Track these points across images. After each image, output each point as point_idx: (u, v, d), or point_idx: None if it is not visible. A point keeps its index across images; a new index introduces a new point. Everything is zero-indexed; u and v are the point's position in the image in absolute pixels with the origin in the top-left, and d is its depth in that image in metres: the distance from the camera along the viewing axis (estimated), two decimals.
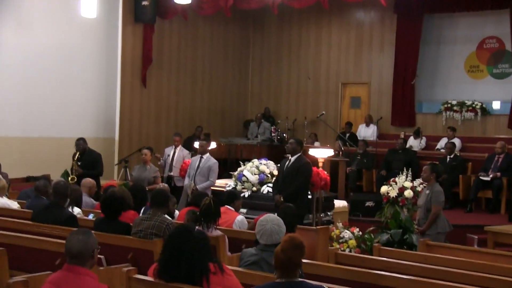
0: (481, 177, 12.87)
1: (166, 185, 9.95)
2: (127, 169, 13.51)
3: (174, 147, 13.23)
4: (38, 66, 14.16)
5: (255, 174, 10.72)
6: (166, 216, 6.66)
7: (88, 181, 9.36)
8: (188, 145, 15.51)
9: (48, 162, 14.05)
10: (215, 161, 11.04)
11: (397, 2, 16.27)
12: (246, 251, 5.25)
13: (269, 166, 10.86)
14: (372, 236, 9.30)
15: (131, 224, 6.70)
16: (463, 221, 11.43)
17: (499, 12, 15.64)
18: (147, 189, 9.10)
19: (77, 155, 11.28)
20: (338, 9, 17.01)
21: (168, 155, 13.12)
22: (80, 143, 11.47)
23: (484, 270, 5.92)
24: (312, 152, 10.87)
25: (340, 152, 12.92)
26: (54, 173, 11.70)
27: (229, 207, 8.03)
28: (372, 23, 17.47)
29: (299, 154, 9.43)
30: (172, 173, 12.83)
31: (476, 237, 10.31)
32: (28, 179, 13.55)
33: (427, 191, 8.75)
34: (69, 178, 10.67)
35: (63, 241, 6.01)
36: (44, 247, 6.07)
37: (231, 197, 8.38)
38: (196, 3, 14.12)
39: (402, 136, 15.71)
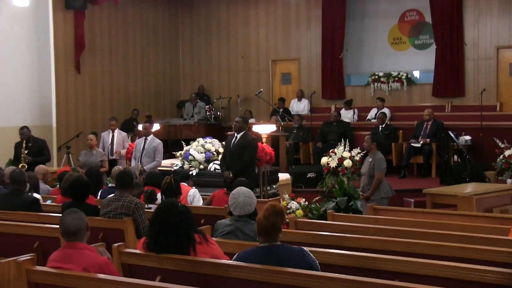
0: (412, 144, 13.59)
1: (120, 167, 10.16)
2: (70, 155, 13.65)
3: (111, 131, 13.41)
4: None
5: (201, 152, 11.06)
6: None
7: (41, 168, 9.53)
8: (125, 128, 15.69)
9: None
10: (160, 141, 11.30)
11: None
12: (220, 222, 5.63)
13: (214, 144, 11.22)
14: (318, 205, 9.81)
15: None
16: (398, 186, 11.97)
17: None
18: None
19: (24, 143, 11.32)
20: None
21: (106, 140, 13.27)
22: (25, 131, 11.54)
23: (431, 227, 6.48)
24: (256, 128, 11.28)
25: (280, 127, 13.38)
26: None
27: (182, 183, 8.38)
28: (298, 0, 17.90)
29: (244, 131, 9.82)
30: (114, 157, 12.99)
31: (412, 200, 11.00)
32: None
33: (370, 159, 9.32)
34: (20, 166, 10.73)
35: (39, 225, 6.33)
36: (20, 231, 6.29)
37: (186, 176, 8.83)
38: None
39: (333, 108, 16.33)
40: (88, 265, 4.25)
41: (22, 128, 11.65)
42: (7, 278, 5.22)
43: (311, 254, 4.37)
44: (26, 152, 11.29)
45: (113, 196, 6.88)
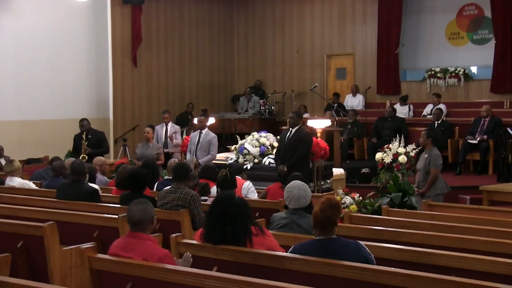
0: (468, 140, 13.43)
1: (176, 159, 10.33)
2: (126, 148, 13.93)
3: (164, 124, 13.66)
4: (31, 51, 14.42)
5: (256, 146, 11.16)
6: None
7: (99, 159, 9.77)
8: (180, 122, 15.93)
9: (46, 144, 14.40)
10: (214, 135, 11.45)
11: None
12: (276, 215, 5.72)
13: (269, 138, 11.31)
14: (372, 201, 9.80)
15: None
16: (453, 183, 11.80)
17: None
18: None
19: (84, 135, 11.63)
20: None
21: (160, 134, 13.49)
22: (85, 123, 11.85)
23: (488, 224, 6.44)
24: (311, 123, 11.32)
25: (334, 122, 13.40)
26: (52, 154, 11.93)
27: (238, 176, 8.49)
28: None
29: (299, 125, 9.88)
30: (168, 149, 13.21)
31: (468, 197, 10.89)
32: (29, 161, 13.86)
33: (426, 155, 9.27)
34: (80, 157, 11.02)
35: (98, 215, 6.52)
36: (80, 221, 6.49)
37: (240, 169, 8.97)
38: None
39: (388, 104, 16.24)
40: (148, 255, 4.38)
41: (82, 120, 11.96)
42: (69, 265, 5.45)
43: (367, 248, 4.42)
44: (85, 143, 11.58)
45: (169, 188, 7.04)
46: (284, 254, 4.54)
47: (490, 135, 13.28)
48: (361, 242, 4.51)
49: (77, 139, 11.89)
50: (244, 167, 10.54)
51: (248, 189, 8.62)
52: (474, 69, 16.76)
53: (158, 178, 9.40)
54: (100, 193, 8.32)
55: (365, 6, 17.66)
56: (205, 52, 18.65)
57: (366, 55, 17.71)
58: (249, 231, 4.72)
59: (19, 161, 9.39)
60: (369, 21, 17.60)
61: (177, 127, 13.91)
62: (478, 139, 13.34)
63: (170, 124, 13.70)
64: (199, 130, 11.52)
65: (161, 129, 13.54)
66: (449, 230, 6.05)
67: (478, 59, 16.61)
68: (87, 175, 8.11)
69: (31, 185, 8.97)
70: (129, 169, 7.97)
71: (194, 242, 4.92)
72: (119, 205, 7.09)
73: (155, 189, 8.73)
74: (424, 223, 6.44)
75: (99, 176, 9.40)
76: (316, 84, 16.75)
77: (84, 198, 7.44)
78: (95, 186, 8.37)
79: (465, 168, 13.66)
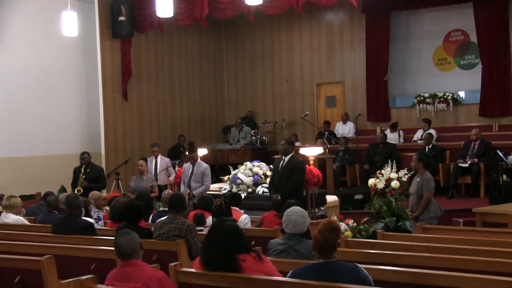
0: (460, 164, 13.55)
1: (170, 191, 10.38)
2: (119, 181, 13.96)
3: (154, 157, 13.77)
4: (21, 86, 14.52)
5: (249, 176, 11.22)
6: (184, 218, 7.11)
7: (95, 193, 9.79)
8: (172, 154, 16.00)
9: (38, 180, 14.39)
10: (207, 165, 11.45)
11: (364, 2, 16.79)
12: (273, 242, 5.75)
13: (262, 168, 11.38)
14: (367, 226, 9.84)
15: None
16: (446, 207, 11.90)
17: (463, 5, 16.34)
18: None
19: (83, 168, 11.65)
20: (308, 12, 17.53)
21: (149, 167, 13.54)
22: (85, 156, 11.91)
23: (483, 245, 6.49)
24: (303, 151, 11.40)
25: (326, 150, 13.48)
26: (44, 190, 11.92)
27: (234, 207, 8.52)
28: (342, 24, 18.09)
29: (292, 153, 9.94)
30: (158, 183, 13.24)
31: (461, 220, 10.93)
32: (22, 198, 13.78)
33: (418, 179, 9.36)
34: (75, 190, 11.04)
35: (95, 247, 6.53)
36: (77, 254, 6.50)
37: (236, 198, 8.98)
38: (172, 15, 14.57)
39: (379, 130, 16.39)
40: (147, 280, 4.42)
41: (83, 153, 12.03)
42: None
43: (365, 271, 4.46)
44: (83, 177, 11.61)
45: (165, 218, 7.07)
46: (283, 279, 4.56)
47: (480, 158, 13.41)
48: (359, 265, 4.54)
49: (76, 172, 11.92)
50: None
51: (244, 223, 8.63)
52: (462, 94, 16.97)
53: (152, 210, 9.42)
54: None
55: (353, 34, 17.87)
56: (195, 84, 18.78)
57: (356, 83, 17.87)
58: (236, 259, 4.73)
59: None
60: (357, 49, 17.80)
61: (167, 160, 14.05)
62: (469, 162, 13.47)
63: (159, 157, 13.86)
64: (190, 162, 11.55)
65: (150, 162, 13.63)
66: (445, 251, 6.10)
67: (466, 84, 16.82)
68: (83, 209, 8.14)
69: (25, 221, 8.96)
70: (124, 201, 8.00)
71: (193, 270, 4.94)
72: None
73: (150, 221, 8.75)
74: (420, 245, 6.48)
75: (95, 210, 9.41)
76: (307, 113, 16.89)
77: (80, 232, 7.45)
78: (90, 220, 8.40)
79: (457, 192, 13.77)
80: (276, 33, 19.03)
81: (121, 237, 4.74)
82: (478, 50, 16.19)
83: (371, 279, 4.44)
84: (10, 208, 8.98)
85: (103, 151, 15.85)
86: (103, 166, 15.48)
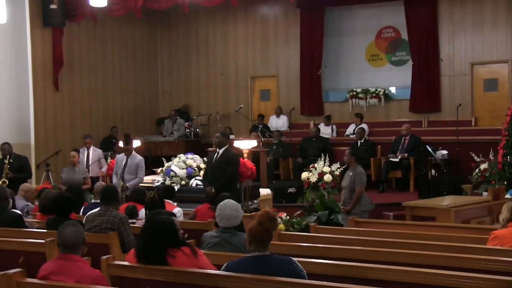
0: (390, 159, 13.82)
1: (102, 182, 10.22)
2: (50, 173, 13.66)
3: (86, 148, 13.59)
4: None
5: (182, 168, 11.15)
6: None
7: (26, 185, 9.56)
8: (105, 145, 15.78)
9: None
10: (142, 158, 11.28)
11: None
12: (206, 234, 5.73)
13: (195, 160, 11.33)
14: (299, 219, 9.92)
15: None
16: (377, 200, 12.12)
17: (395, 3, 16.64)
18: None
19: (7, 159, 11.35)
20: (243, 5, 17.47)
21: (81, 158, 13.34)
22: (6, 147, 11.59)
23: (411, 238, 6.63)
24: (237, 144, 11.40)
25: (260, 143, 13.52)
26: None
27: (167, 200, 8.45)
28: (277, 17, 18.14)
29: (226, 146, 9.91)
30: (90, 174, 13.04)
31: (392, 213, 11.14)
32: None
33: (350, 173, 9.49)
34: (1, 182, 10.75)
35: (24, 240, 6.37)
36: (4, 247, 6.32)
37: (170, 191, 8.91)
38: (106, 5, 14.34)
39: (312, 125, 16.52)
40: (81, 277, 4.33)
41: (3, 144, 11.70)
42: None
43: (299, 264, 4.48)
44: (7, 168, 11.31)
45: (97, 211, 6.96)
46: (217, 272, 4.55)
47: (410, 153, 13.70)
48: (293, 258, 4.56)
49: (0, 163, 11.60)
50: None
51: (177, 217, 8.55)
52: (393, 90, 17.26)
53: (83, 202, 9.25)
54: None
55: (287, 28, 17.95)
56: (129, 75, 18.55)
57: (290, 77, 17.96)
58: (172, 249, 4.71)
59: None
60: (291, 43, 17.88)
61: (99, 151, 13.88)
62: (400, 157, 13.74)
63: (92, 148, 13.70)
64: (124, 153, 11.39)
65: (82, 154, 13.43)
66: (376, 244, 6.19)
67: (397, 80, 17.12)
68: (10, 201, 7.93)
69: None
70: (54, 193, 7.85)
71: (126, 263, 4.88)
72: (45, 230, 6.95)
73: (81, 213, 8.59)
74: (352, 239, 6.57)
75: (21, 202, 9.18)
76: (242, 106, 16.91)
77: (8, 224, 7.25)
78: (18, 211, 8.19)
79: (387, 186, 14.03)
80: (211, 25, 18.94)
81: (67, 227, 4.65)
82: (408, 47, 16.49)
83: (305, 273, 4.47)
84: None
85: (32, 142, 15.47)
86: (32, 157, 15.16)
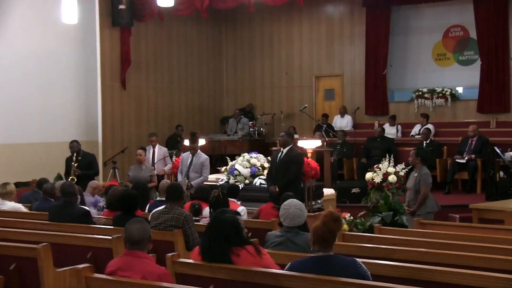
0: (457, 160, 13.55)
1: (168, 180, 10.34)
2: (116, 170, 13.93)
3: (152, 147, 13.78)
4: (20, 73, 14.40)
5: (246, 167, 11.20)
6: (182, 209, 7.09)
7: (94, 182, 9.80)
8: (170, 144, 15.97)
9: (34, 167, 14.29)
10: (207, 157, 11.39)
11: None
12: (270, 234, 5.74)
13: (259, 159, 11.35)
14: (363, 220, 9.84)
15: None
16: (443, 202, 11.88)
17: (463, 1, 16.36)
18: None
19: (74, 156, 11.61)
20: (308, 4, 17.42)
21: (147, 156, 13.51)
22: (74, 144, 11.85)
23: (480, 241, 6.49)
24: (301, 143, 11.38)
25: (324, 143, 13.46)
26: (39, 177, 11.97)
27: (231, 199, 8.51)
28: (342, 17, 18.05)
29: (290, 145, 9.90)
30: (156, 172, 13.21)
31: (458, 215, 10.95)
32: (17, 185, 13.73)
33: (415, 174, 9.36)
34: (69, 179, 11.01)
35: (92, 236, 6.51)
36: (73, 242, 6.48)
37: (234, 190, 8.97)
38: (173, 5, 14.53)
39: (377, 124, 16.38)
40: (147, 273, 4.40)
41: (72, 142, 11.97)
42: (64, 287, 5.41)
43: (363, 265, 4.45)
44: (75, 165, 11.57)
45: (163, 208, 7.04)
46: (281, 271, 4.55)
47: (477, 154, 13.41)
48: (357, 259, 4.53)
49: (68, 161, 11.88)
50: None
51: (241, 215, 8.60)
52: (460, 90, 16.92)
53: (149, 200, 9.40)
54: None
55: (352, 27, 17.83)
56: (194, 73, 18.74)
57: (354, 76, 17.84)
58: (237, 248, 4.74)
59: None
60: (357, 42, 17.76)
61: (165, 150, 14.05)
62: (466, 158, 13.47)
63: (157, 146, 13.87)
64: (190, 152, 11.51)
65: (148, 152, 13.61)
66: (442, 247, 6.09)
67: (464, 80, 16.78)
68: (79, 197, 8.13)
69: (22, 208, 8.93)
70: (120, 190, 7.99)
71: (190, 261, 4.93)
72: (112, 226, 7.08)
73: (146, 210, 8.73)
74: (417, 240, 6.48)
75: (89, 198, 9.40)
76: (306, 105, 16.89)
77: (77, 220, 7.44)
78: (86, 208, 8.38)
79: (453, 187, 13.77)
80: (276, 25, 18.97)
81: (134, 224, 4.74)
82: (477, 46, 16.17)
83: (369, 274, 4.44)
84: (7, 196, 8.95)
85: (100, 140, 15.80)
86: (100, 154, 15.47)
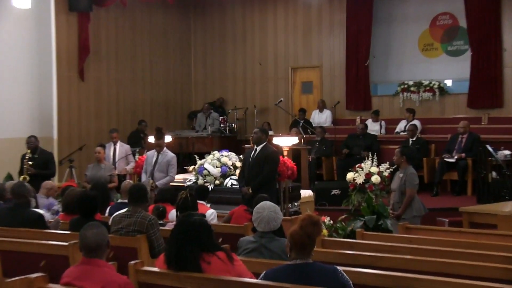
0: (445, 159, 13.64)
1: (130, 181, 10.27)
2: (73, 169, 13.81)
3: (112, 144, 13.68)
4: None
5: (217, 166, 11.18)
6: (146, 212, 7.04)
7: (48, 183, 9.69)
8: (132, 141, 15.87)
9: None
10: (173, 155, 11.36)
11: None
12: (243, 240, 5.72)
13: (231, 158, 11.34)
14: (344, 224, 9.85)
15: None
16: (430, 205, 11.92)
17: None
18: None
19: (28, 153, 11.49)
20: None
21: (107, 154, 13.43)
22: (32, 140, 11.77)
23: (469, 248, 6.52)
24: (276, 140, 11.39)
25: (301, 140, 13.48)
26: None
27: (200, 201, 8.47)
28: (320, 3, 18.05)
29: (264, 143, 9.90)
30: (116, 172, 13.13)
31: (447, 220, 10.99)
32: None
33: (401, 175, 9.39)
34: (21, 178, 10.89)
35: (46, 242, 6.43)
36: (25, 249, 6.39)
37: (203, 191, 8.93)
38: None
39: (359, 120, 16.44)
40: (107, 283, 4.36)
41: (30, 137, 11.91)
42: None
43: (345, 274, 4.44)
44: (30, 163, 11.45)
45: (125, 211, 6.99)
46: (255, 281, 4.53)
47: (468, 153, 13.51)
48: (338, 267, 4.52)
49: (24, 158, 11.75)
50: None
51: (211, 219, 8.57)
52: (449, 83, 17.05)
53: (109, 202, 9.33)
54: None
55: (332, 15, 17.86)
56: (160, 65, 18.66)
57: (334, 68, 17.89)
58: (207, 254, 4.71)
59: None
60: (336, 31, 17.79)
61: (127, 147, 13.97)
62: (456, 157, 13.56)
63: (118, 143, 13.79)
64: (155, 149, 11.45)
65: (108, 149, 13.51)
66: (430, 254, 6.11)
67: (453, 72, 16.90)
68: (32, 199, 8.03)
69: None
70: (78, 192, 7.92)
71: (156, 269, 4.89)
72: (68, 232, 7.01)
73: (107, 214, 8.67)
74: (403, 247, 6.50)
75: (43, 200, 9.29)
76: (282, 99, 16.89)
77: (29, 224, 7.34)
78: (40, 211, 8.28)
79: (442, 189, 13.86)
80: (248, 12, 18.95)
81: (89, 229, 4.70)
82: (467, 36, 16.25)
83: (351, 284, 4.43)
84: None
85: (55, 136, 15.65)
86: (55, 152, 15.30)
